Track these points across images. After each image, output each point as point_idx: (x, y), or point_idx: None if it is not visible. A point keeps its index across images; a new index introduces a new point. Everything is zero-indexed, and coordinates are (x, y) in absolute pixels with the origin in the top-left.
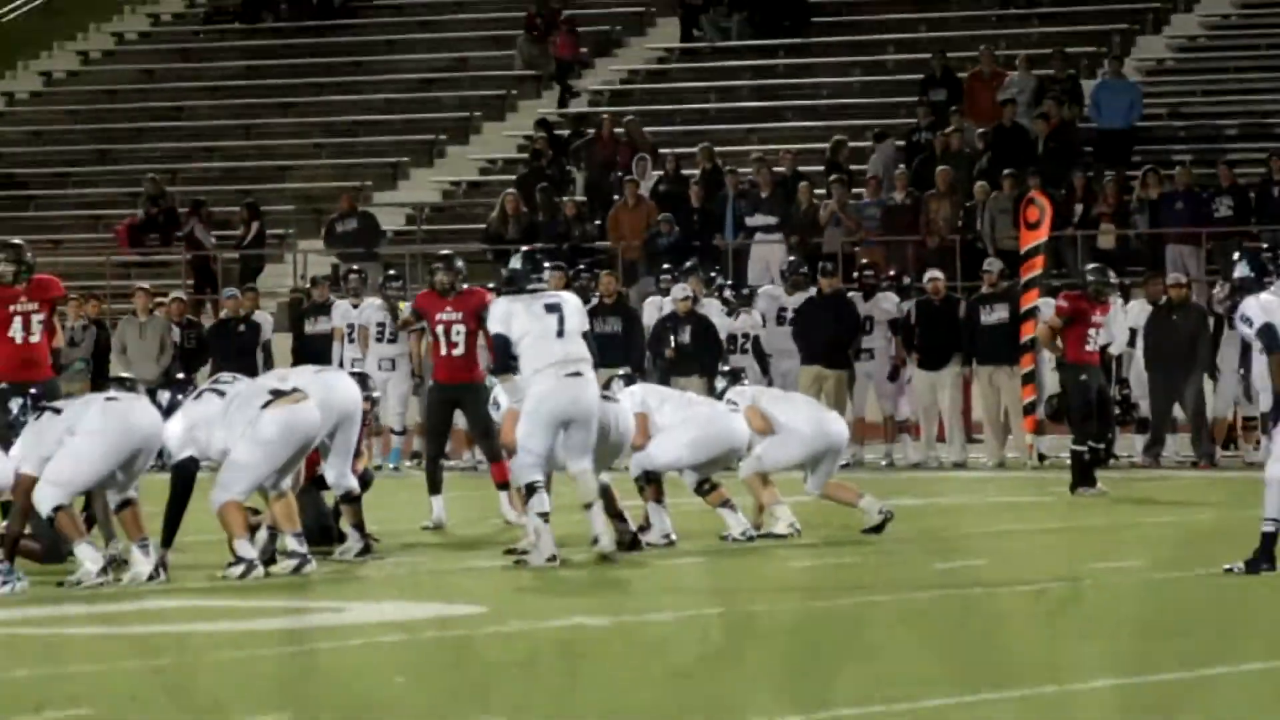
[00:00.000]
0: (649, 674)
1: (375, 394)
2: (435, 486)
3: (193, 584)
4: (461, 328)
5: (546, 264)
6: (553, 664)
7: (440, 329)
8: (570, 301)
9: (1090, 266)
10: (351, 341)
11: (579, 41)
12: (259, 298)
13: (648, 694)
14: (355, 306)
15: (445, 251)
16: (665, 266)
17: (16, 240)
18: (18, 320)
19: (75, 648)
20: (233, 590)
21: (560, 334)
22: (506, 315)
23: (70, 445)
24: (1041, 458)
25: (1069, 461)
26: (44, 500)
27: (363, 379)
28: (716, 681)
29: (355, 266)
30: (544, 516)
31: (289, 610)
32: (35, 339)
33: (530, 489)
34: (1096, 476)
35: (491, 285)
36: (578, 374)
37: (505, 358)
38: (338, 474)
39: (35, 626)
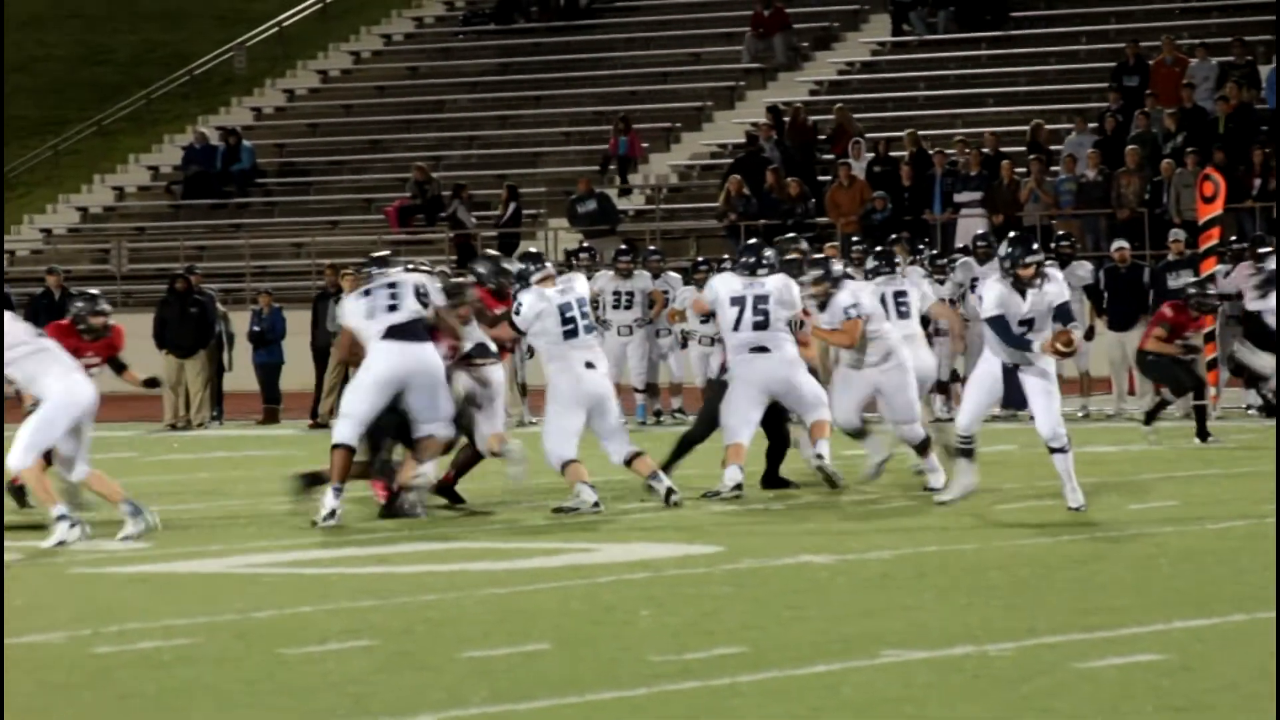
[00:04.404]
0: (869, 606)
1: (486, 365)
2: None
3: (456, 529)
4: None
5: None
6: (782, 598)
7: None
8: None
9: (1190, 282)
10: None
11: (797, 37)
12: None
13: (869, 624)
14: (589, 279)
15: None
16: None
17: (95, 290)
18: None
19: (353, 586)
20: (494, 533)
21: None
22: (1000, 298)
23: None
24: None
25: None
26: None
27: (483, 349)
28: (931, 613)
29: (587, 245)
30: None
31: (545, 551)
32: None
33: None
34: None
35: (725, 259)
36: None
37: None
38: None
39: (316, 567)
